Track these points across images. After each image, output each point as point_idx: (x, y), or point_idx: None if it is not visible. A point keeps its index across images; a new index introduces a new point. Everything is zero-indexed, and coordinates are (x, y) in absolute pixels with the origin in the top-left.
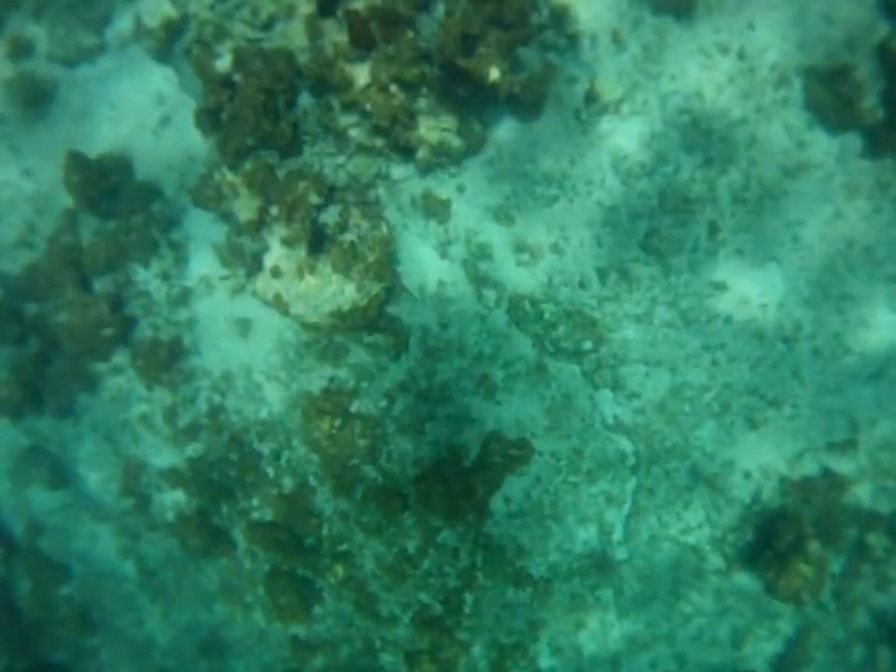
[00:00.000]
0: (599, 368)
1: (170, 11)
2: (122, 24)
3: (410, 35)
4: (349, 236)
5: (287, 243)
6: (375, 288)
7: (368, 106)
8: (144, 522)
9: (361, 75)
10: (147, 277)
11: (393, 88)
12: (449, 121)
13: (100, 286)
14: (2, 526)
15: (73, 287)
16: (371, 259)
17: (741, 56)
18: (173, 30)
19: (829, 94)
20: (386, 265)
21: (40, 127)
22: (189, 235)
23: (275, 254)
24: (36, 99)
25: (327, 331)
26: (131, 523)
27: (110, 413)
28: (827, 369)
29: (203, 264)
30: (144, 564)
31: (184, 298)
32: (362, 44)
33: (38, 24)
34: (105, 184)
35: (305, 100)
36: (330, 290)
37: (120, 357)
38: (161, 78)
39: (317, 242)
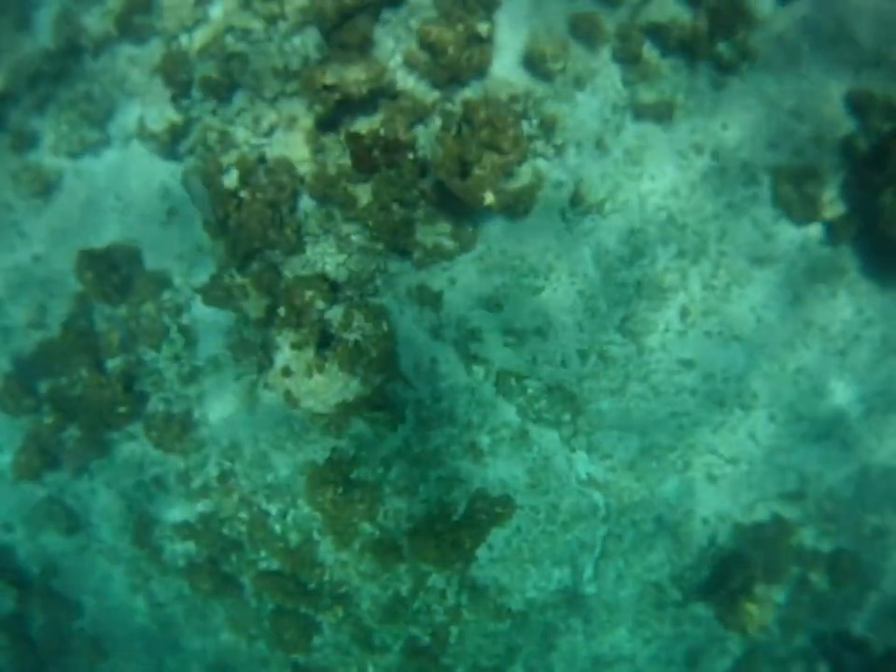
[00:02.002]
0: (576, 434)
1: (173, 117)
2: (125, 119)
3: (410, 156)
4: (353, 335)
5: (297, 346)
6: (378, 380)
7: (370, 223)
8: (156, 567)
9: (364, 194)
10: (157, 358)
11: (394, 206)
12: (444, 227)
13: (113, 364)
14: (17, 567)
15: (87, 368)
16: (374, 354)
17: (714, 156)
18: (176, 133)
19: (795, 192)
20: (388, 359)
21: (48, 214)
22: (197, 319)
23: (285, 355)
24: (42, 189)
25: (333, 417)
26: (143, 566)
27: (124, 473)
28: (780, 432)
29: (211, 346)
30: (154, 599)
31: (193, 375)
32: (365, 169)
33: (41, 117)
34: (118, 277)
35: (306, 202)
36: (337, 386)
37: (134, 427)
38: (165, 173)
39: (324, 340)
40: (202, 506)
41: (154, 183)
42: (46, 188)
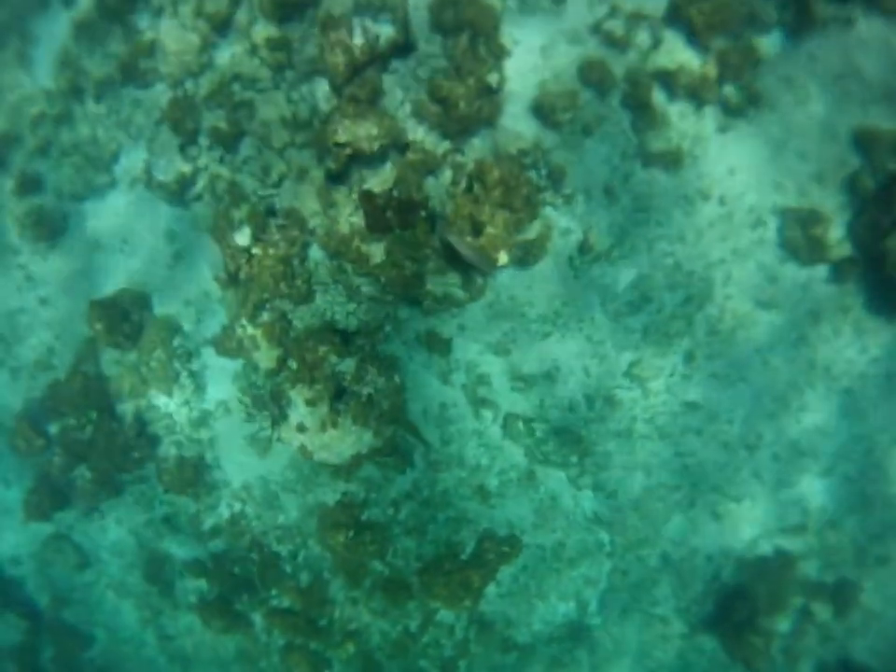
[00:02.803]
0: (583, 474)
1: (182, 167)
2: (130, 162)
3: (423, 214)
4: (366, 389)
5: (311, 403)
6: (389, 431)
7: (382, 278)
8: (166, 602)
9: (376, 252)
10: (168, 402)
11: (406, 263)
12: (454, 278)
13: (123, 408)
14: (27, 600)
15: (98, 412)
16: (386, 406)
17: (721, 201)
18: (184, 182)
19: (801, 235)
20: (398, 409)
21: (54, 258)
22: (206, 364)
23: (300, 411)
24: (48, 233)
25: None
26: (153, 601)
27: (135, 512)
28: (784, 469)
29: (221, 391)
30: (164, 632)
31: (204, 419)
32: (379, 229)
33: (45, 160)
34: (129, 326)
35: (316, 251)
36: (351, 440)
37: (145, 469)
38: (172, 217)
39: (337, 393)
40: (213, 546)
41: (160, 227)
42: (51, 231)
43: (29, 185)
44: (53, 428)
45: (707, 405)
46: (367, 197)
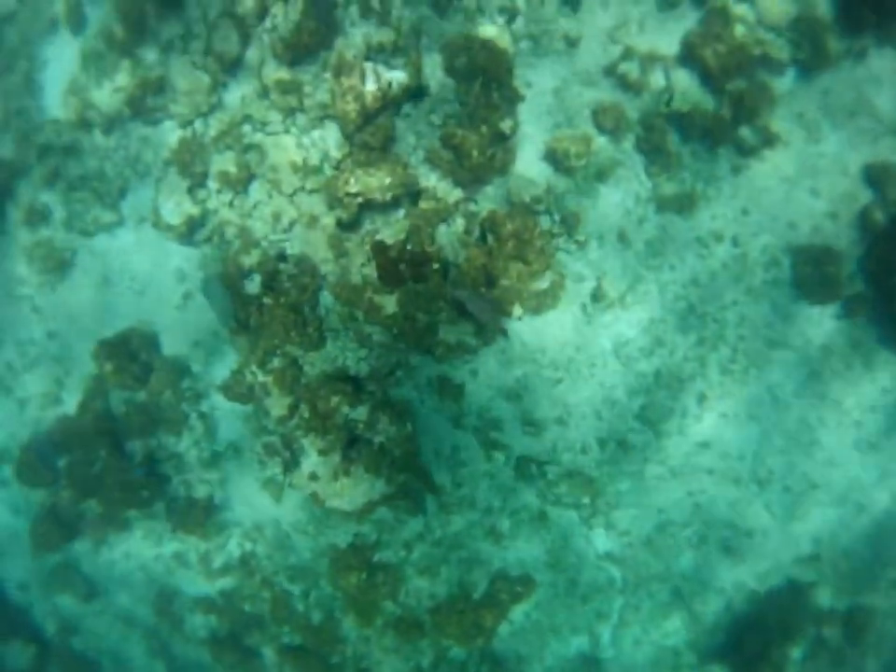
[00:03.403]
0: (595, 514)
1: (190, 209)
2: (138, 199)
3: (435, 266)
4: (378, 437)
5: (323, 452)
6: (401, 478)
7: (395, 330)
8: (176, 636)
9: (388, 303)
10: (177, 443)
11: (419, 315)
12: (466, 328)
13: (132, 446)
14: (34, 626)
15: (107, 449)
16: (398, 453)
17: (734, 242)
18: (193, 224)
19: (814, 274)
20: (410, 457)
21: (62, 291)
22: (216, 406)
23: (312, 460)
24: (56, 266)
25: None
26: (162, 634)
27: (144, 547)
28: (796, 502)
29: (231, 432)
30: (173, 664)
31: (214, 460)
32: (391, 283)
33: (52, 192)
34: (137, 367)
35: (327, 297)
36: (363, 488)
37: (154, 507)
38: (181, 257)
39: (350, 442)
40: (223, 583)
41: (169, 266)
42: (60, 264)
43: (37, 216)
44: (61, 462)
45: (717, 445)
46: (380, 248)
